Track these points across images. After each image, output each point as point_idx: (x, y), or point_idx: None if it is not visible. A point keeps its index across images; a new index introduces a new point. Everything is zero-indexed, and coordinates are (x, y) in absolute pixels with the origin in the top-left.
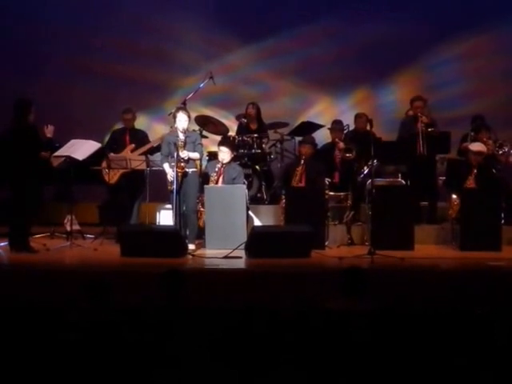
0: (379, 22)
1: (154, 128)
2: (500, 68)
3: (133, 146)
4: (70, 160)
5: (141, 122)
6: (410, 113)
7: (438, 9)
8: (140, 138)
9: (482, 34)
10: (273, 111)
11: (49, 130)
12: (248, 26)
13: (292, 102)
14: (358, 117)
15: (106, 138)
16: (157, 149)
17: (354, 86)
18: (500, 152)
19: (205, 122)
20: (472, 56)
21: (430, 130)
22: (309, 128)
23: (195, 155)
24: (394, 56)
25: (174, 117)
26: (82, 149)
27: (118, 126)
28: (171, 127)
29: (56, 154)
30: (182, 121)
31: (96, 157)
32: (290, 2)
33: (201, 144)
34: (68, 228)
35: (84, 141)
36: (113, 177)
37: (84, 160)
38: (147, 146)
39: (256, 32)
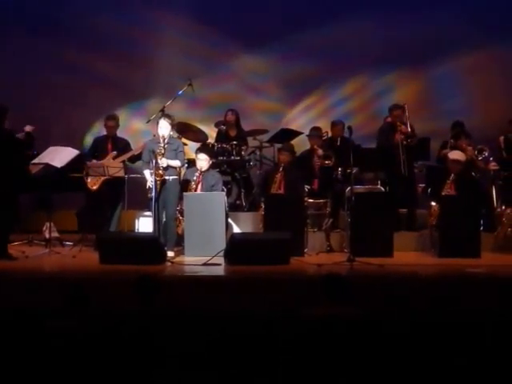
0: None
1: (133, 124)
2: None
3: (115, 153)
4: (48, 167)
5: (122, 116)
6: (389, 119)
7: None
8: (122, 146)
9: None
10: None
11: (28, 128)
12: (234, 33)
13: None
14: (334, 124)
15: (85, 141)
16: (138, 157)
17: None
18: (480, 158)
19: (184, 130)
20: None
21: (408, 140)
22: (288, 135)
23: (176, 163)
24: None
25: (157, 123)
26: (60, 156)
27: (97, 125)
28: (154, 135)
29: (34, 161)
30: (162, 128)
31: (76, 164)
32: (275, 11)
33: (183, 152)
34: (47, 235)
35: (62, 148)
36: (95, 183)
37: (62, 167)
38: (128, 154)
39: (241, 39)
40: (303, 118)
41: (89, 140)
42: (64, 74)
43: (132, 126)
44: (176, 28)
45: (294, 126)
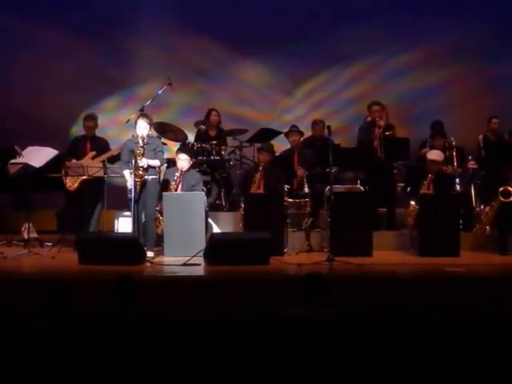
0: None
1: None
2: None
3: (94, 153)
4: (26, 167)
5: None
6: (369, 119)
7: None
8: (101, 146)
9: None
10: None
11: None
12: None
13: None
14: (315, 123)
15: (72, 132)
16: (118, 157)
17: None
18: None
19: (164, 129)
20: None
21: (387, 133)
22: (268, 135)
23: (155, 162)
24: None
25: (135, 123)
26: (38, 156)
27: (79, 124)
28: (133, 135)
29: (13, 161)
30: (141, 128)
31: (55, 164)
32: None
33: (162, 151)
34: (25, 236)
35: (41, 148)
36: (73, 183)
37: (41, 167)
38: (108, 154)
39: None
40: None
41: (75, 131)
42: (50, 64)
43: (120, 118)
44: (163, 27)
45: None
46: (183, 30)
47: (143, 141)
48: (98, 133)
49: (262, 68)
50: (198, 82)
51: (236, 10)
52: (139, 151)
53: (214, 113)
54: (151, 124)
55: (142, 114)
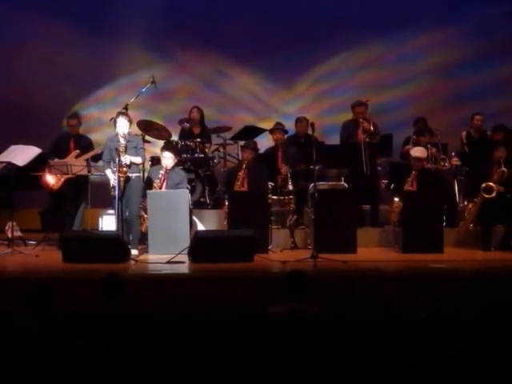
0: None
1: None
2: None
3: (77, 151)
4: (10, 166)
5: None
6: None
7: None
8: (84, 144)
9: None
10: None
11: None
12: (199, 30)
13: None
14: (298, 121)
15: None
16: (101, 156)
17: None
18: (442, 157)
19: (148, 127)
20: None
21: (371, 138)
22: (252, 132)
23: (137, 160)
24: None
25: (115, 122)
26: (22, 155)
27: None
28: (117, 134)
29: None
30: (121, 126)
31: (38, 162)
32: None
33: (143, 148)
34: (9, 235)
35: (24, 146)
36: (57, 182)
37: (25, 166)
38: (91, 153)
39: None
40: None
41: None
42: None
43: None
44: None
45: None
46: (177, 33)
47: (124, 138)
48: (93, 124)
49: (255, 71)
50: (192, 84)
51: (231, 12)
52: (121, 148)
53: (194, 110)
54: (131, 121)
55: (121, 112)
